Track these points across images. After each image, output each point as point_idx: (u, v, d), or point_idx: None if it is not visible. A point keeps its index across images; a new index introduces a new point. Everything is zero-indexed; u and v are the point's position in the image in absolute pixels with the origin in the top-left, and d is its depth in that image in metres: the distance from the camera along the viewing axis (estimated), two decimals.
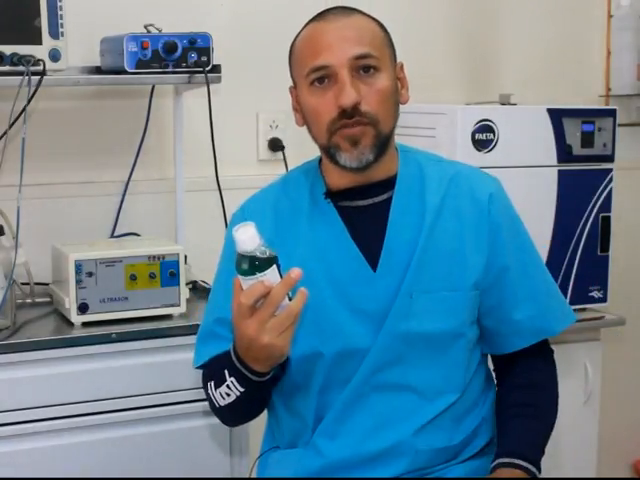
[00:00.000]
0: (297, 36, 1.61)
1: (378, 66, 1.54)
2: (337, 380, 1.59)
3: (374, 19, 1.60)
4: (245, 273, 1.35)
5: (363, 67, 1.53)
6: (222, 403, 1.54)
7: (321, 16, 1.59)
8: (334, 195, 1.62)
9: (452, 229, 1.59)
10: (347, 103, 1.50)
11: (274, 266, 1.35)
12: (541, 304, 1.66)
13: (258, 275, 1.34)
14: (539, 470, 1.57)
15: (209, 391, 1.57)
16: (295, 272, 1.35)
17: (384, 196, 1.61)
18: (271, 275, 1.35)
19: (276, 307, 1.35)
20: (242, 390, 1.49)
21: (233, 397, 1.51)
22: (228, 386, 1.50)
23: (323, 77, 1.54)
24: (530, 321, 1.64)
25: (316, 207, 1.63)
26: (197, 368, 1.67)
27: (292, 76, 1.63)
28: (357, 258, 1.59)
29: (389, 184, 1.61)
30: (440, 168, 1.65)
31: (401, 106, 1.63)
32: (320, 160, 1.67)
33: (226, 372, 1.50)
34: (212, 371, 1.59)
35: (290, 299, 1.37)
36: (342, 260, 1.59)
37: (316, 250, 1.59)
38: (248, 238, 1.34)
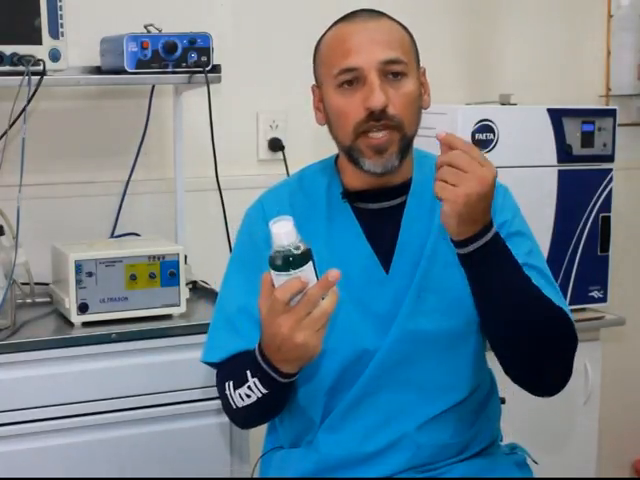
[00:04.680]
0: (324, 35, 1.61)
1: (406, 71, 1.55)
2: (346, 380, 1.59)
3: (400, 24, 1.61)
4: (280, 269, 1.31)
5: (392, 72, 1.54)
6: (240, 404, 1.51)
7: (349, 17, 1.60)
8: (350, 196, 1.63)
9: None
10: (377, 105, 1.51)
11: (310, 262, 1.32)
12: None
13: (293, 272, 1.31)
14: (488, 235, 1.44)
15: (227, 392, 1.53)
16: (333, 274, 1.32)
17: (398, 200, 1.62)
18: (307, 271, 1.31)
19: (313, 306, 1.32)
20: (265, 392, 1.46)
21: (254, 399, 1.48)
22: (249, 387, 1.47)
23: (352, 79, 1.54)
24: None
25: (333, 206, 1.63)
26: (206, 363, 1.64)
27: (316, 75, 1.63)
28: (371, 260, 1.60)
29: (404, 188, 1.63)
30: None
31: None
32: (336, 159, 1.67)
33: (248, 373, 1.46)
34: (230, 371, 1.55)
35: (322, 297, 1.34)
36: (356, 261, 1.59)
37: (332, 250, 1.59)
38: (285, 233, 1.30)
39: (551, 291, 1.57)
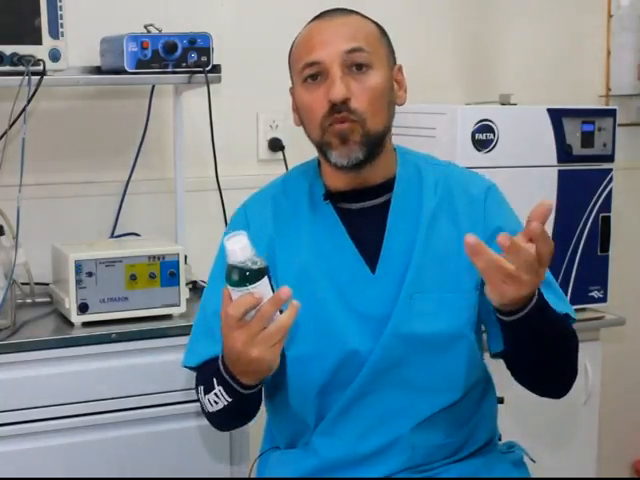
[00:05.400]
0: (296, 37, 1.62)
1: (370, 63, 1.54)
2: (337, 382, 1.58)
3: (372, 20, 1.61)
4: (235, 284, 1.31)
5: (356, 64, 1.53)
6: (211, 410, 1.53)
7: (319, 16, 1.60)
8: (333, 197, 1.62)
9: (449, 231, 1.59)
10: (336, 97, 1.50)
11: (265, 278, 1.31)
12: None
13: (248, 287, 1.31)
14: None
15: (199, 395, 1.56)
16: (284, 292, 1.31)
17: (382, 199, 1.61)
18: (262, 287, 1.31)
19: (266, 322, 1.32)
20: (230, 400, 1.48)
21: (221, 405, 1.50)
22: (216, 394, 1.49)
23: (316, 74, 1.54)
24: None
25: (316, 208, 1.63)
26: (186, 368, 1.66)
27: (291, 76, 1.64)
28: (357, 260, 1.59)
29: (388, 186, 1.61)
30: (437, 170, 1.65)
31: (401, 106, 1.63)
32: (319, 161, 1.67)
33: (214, 380, 1.49)
34: (202, 376, 1.58)
35: (281, 312, 1.33)
36: (342, 262, 1.59)
37: (317, 252, 1.59)
38: (240, 249, 1.30)
39: (553, 294, 1.57)
